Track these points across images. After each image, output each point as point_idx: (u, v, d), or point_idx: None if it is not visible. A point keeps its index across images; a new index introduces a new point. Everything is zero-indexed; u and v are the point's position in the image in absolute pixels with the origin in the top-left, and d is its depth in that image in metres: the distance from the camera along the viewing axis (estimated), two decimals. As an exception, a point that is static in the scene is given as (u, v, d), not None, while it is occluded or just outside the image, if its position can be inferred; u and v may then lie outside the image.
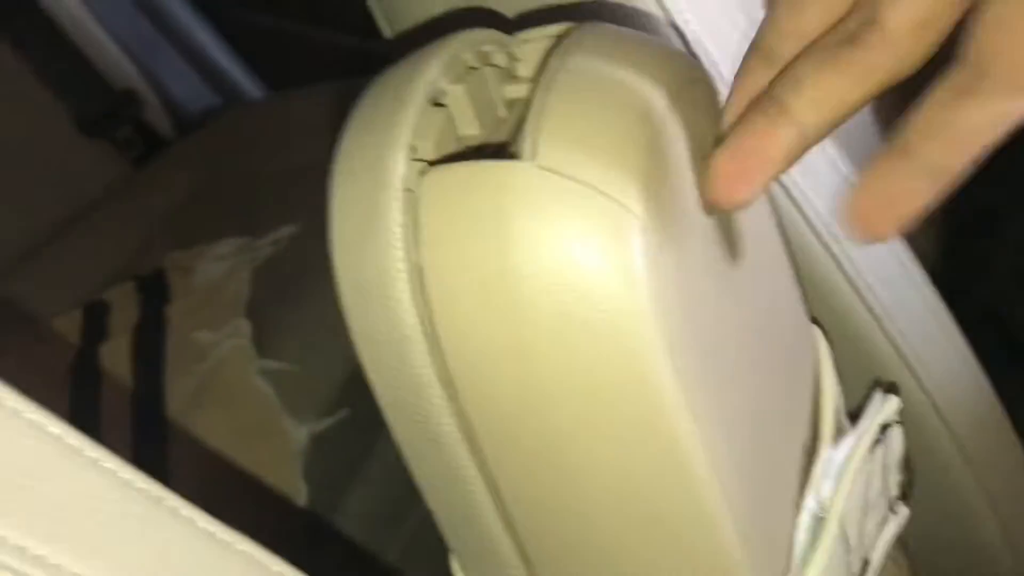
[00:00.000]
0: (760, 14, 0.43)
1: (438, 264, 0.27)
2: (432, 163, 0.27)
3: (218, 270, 0.94)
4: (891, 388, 0.41)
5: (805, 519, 0.33)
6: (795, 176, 0.41)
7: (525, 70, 0.31)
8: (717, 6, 0.39)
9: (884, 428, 0.37)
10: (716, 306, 0.30)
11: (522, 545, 0.31)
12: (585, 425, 0.27)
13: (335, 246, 0.28)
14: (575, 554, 0.31)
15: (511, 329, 0.26)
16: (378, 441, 0.83)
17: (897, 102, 0.64)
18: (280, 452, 0.76)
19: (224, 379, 0.79)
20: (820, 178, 0.42)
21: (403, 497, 0.84)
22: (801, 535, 0.33)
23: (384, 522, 0.83)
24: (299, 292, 0.87)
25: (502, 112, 0.31)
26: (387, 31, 0.42)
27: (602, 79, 0.27)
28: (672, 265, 0.26)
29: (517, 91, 0.31)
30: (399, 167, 0.27)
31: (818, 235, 0.42)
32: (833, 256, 0.42)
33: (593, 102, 0.26)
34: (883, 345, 0.43)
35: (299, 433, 0.77)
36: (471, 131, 0.30)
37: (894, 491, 0.40)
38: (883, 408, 0.37)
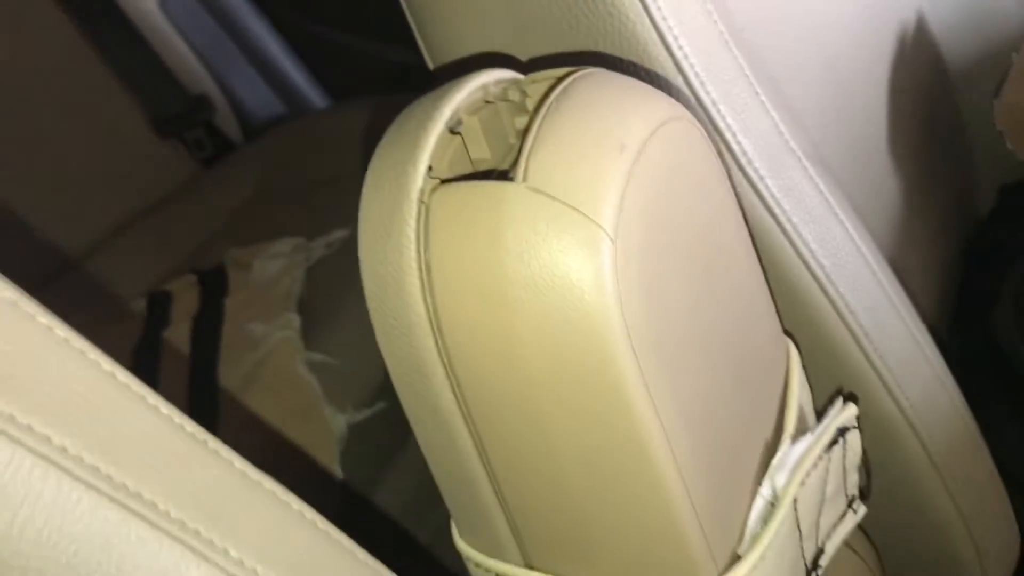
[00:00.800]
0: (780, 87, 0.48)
1: (443, 264, 0.32)
2: (444, 181, 0.33)
3: (274, 267, 1.00)
4: (851, 397, 0.45)
5: (759, 504, 0.38)
6: (784, 205, 0.46)
7: (533, 105, 0.36)
8: (731, 75, 0.44)
9: (843, 432, 0.41)
10: (684, 313, 0.34)
11: (509, 508, 0.37)
12: (559, 404, 0.32)
13: (361, 243, 0.34)
14: (552, 518, 0.36)
15: (500, 321, 0.32)
16: (412, 434, 0.89)
17: (896, 133, 0.68)
18: (320, 438, 0.82)
19: (272, 367, 0.86)
20: (807, 205, 0.46)
21: (434, 488, 0.90)
22: (754, 516, 0.38)
23: (414, 510, 0.88)
24: (347, 292, 0.93)
25: (512, 140, 0.36)
26: (429, 63, 0.48)
27: (588, 115, 0.32)
28: (638, 274, 0.31)
29: (525, 122, 0.36)
30: (417, 182, 0.33)
31: (804, 260, 0.46)
32: (817, 280, 0.47)
33: (577, 135, 0.32)
34: (860, 362, 0.48)
35: (338, 422, 0.83)
36: (482, 155, 0.35)
37: (853, 491, 0.44)
38: (841, 414, 0.42)
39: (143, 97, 1.24)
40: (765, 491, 0.38)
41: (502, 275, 0.31)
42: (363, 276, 0.34)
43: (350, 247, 1.03)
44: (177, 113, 1.25)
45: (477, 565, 0.40)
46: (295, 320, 0.90)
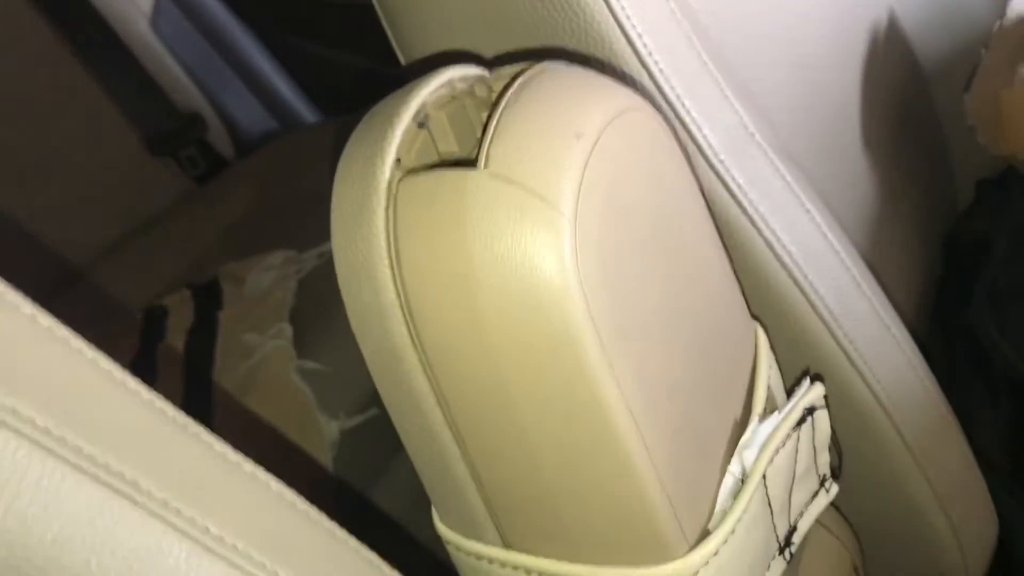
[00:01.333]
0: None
1: (411, 250, 0.33)
2: (411, 171, 0.34)
3: (267, 280, 1.02)
4: (817, 377, 0.46)
5: (729, 481, 0.39)
6: (750, 194, 0.47)
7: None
8: (694, 70, 0.46)
9: (811, 411, 0.43)
10: (646, 294, 0.36)
11: (485, 489, 0.38)
12: (527, 382, 0.34)
13: (334, 234, 0.35)
14: (526, 497, 0.37)
15: (467, 303, 0.33)
16: (405, 440, 0.90)
17: (869, 130, 0.69)
18: (313, 444, 0.84)
19: (265, 375, 0.87)
20: (773, 195, 0.48)
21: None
22: (724, 493, 0.39)
23: (409, 514, 0.89)
24: (338, 301, 0.95)
25: (479, 133, 0.38)
26: (402, 60, 0.50)
27: (546, 105, 0.34)
28: (597, 255, 0.33)
29: (491, 116, 0.38)
30: (385, 173, 0.34)
31: (771, 247, 0.48)
32: (785, 267, 0.48)
33: (536, 123, 0.33)
34: (830, 346, 0.49)
35: (331, 428, 0.85)
36: (450, 148, 0.37)
37: (824, 470, 0.45)
38: (808, 393, 0.43)
39: (136, 116, 1.26)
40: (734, 468, 0.39)
41: (467, 258, 0.32)
42: (336, 266, 0.36)
43: (342, 258, 1.05)
44: (170, 131, 1.26)
45: (458, 548, 0.41)
46: (287, 329, 0.91)
